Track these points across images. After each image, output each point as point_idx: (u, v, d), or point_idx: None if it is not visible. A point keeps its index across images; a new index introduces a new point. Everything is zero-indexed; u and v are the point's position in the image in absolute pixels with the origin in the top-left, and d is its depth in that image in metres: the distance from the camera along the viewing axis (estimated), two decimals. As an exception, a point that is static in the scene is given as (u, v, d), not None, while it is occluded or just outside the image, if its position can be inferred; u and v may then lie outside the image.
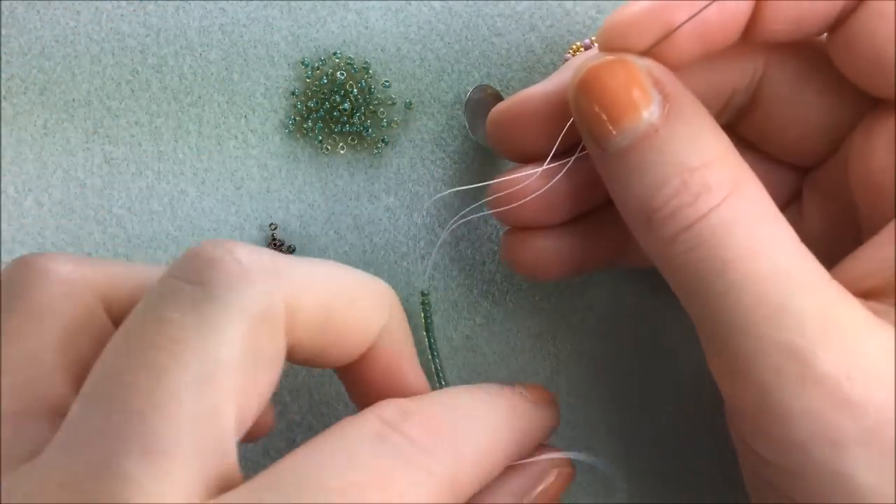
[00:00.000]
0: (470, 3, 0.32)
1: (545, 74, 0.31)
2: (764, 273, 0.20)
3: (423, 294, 0.29)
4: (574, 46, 0.31)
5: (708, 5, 0.21)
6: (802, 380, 0.19)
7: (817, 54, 0.24)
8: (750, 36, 0.22)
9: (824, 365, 0.19)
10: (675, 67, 0.22)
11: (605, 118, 0.22)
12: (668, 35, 0.21)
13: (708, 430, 0.30)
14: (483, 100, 0.30)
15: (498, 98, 0.31)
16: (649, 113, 0.21)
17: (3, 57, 0.31)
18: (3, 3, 0.31)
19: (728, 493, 0.30)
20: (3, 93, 0.31)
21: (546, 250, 0.26)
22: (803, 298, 0.19)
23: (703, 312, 0.21)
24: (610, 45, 0.22)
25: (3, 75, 0.31)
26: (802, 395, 0.19)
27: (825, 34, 0.23)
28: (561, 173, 0.25)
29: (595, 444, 0.30)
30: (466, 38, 0.31)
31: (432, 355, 0.29)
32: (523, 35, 0.32)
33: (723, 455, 0.30)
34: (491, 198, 0.26)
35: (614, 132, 0.21)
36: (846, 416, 0.19)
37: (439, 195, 0.31)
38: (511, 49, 0.31)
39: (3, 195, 0.31)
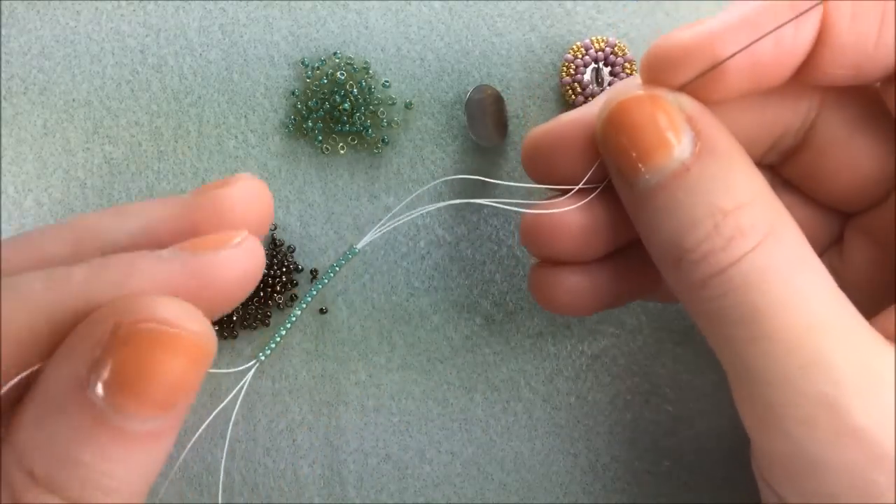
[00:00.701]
0: (470, 3, 0.32)
1: (545, 74, 0.31)
2: (798, 323, 0.19)
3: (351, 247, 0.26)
4: (574, 46, 0.31)
5: (760, 39, 0.20)
6: (837, 432, 0.18)
7: (874, 98, 0.23)
8: (804, 77, 0.21)
9: (860, 417, 0.18)
10: (720, 102, 0.21)
11: (634, 154, 0.21)
12: (714, 68, 0.20)
13: (708, 430, 0.30)
14: (483, 100, 0.30)
15: (498, 98, 0.31)
16: (680, 150, 0.20)
17: (3, 57, 0.31)
18: (3, 3, 0.31)
19: (729, 492, 0.30)
20: (3, 93, 0.31)
21: (578, 287, 0.25)
22: (838, 349, 0.19)
23: (733, 360, 0.20)
24: (652, 75, 0.21)
25: (3, 75, 0.31)
26: (836, 448, 0.18)
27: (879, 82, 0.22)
28: (588, 198, 0.23)
29: (596, 444, 0.31)
30: (466, 38, 0.31)
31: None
32: (523, 35, 0.32)
33: (723, 454, 0.30)
34: (523, 229, 0.25)
35: (643, 169, 0.21)
36: (882, 470, 0.18)
37: (442, 180, 0.31)
38: (511, 49, 0.31)
39: (3, 195, 0.31)
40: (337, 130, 0.31)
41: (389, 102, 0.31)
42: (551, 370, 0.31)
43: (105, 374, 0.17)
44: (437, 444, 0.31)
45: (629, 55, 0.31)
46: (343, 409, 0.30)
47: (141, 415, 0.17)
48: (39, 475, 0.17)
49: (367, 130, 0.31)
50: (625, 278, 0.25)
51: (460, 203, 0.31)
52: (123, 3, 0.31)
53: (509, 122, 0.31)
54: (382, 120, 0.31)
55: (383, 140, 0.31)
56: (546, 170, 0.25)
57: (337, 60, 0.31)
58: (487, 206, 0.31)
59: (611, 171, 0.22)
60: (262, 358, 0.23)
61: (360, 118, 0.30)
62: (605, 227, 0.24)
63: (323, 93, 0.31)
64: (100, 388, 0.17)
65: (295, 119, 0.31)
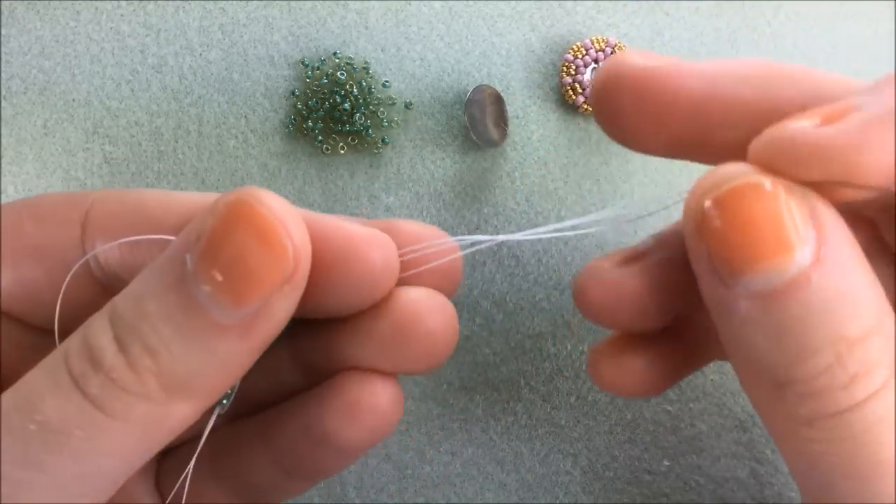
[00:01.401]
0: (470, 3, 0.32)
1: (545, 74, 0.31)
2: None
3: None
4: (574, 46, 0.31)
5: None
6: None
7: None
8: None
9: None
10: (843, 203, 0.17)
11: (744, 253, 0.17)
12: (858, 180, 0.16)
13: (708, 430, 0.30)
14: (483, 100, 0.30)
15: (498, 98, 0.31)
16: (802, 255, 0.17)
17: (3, 57, 0.31)
18: (3, 3, 0.31)
19: (729, 492, 0.30)
20: (3, 93, 0.31)
21: (641, 368, 0.22)
22: None
23: (825, 500, 0.17)
24: (771, 164, 0.17)
25: (3, 75, 0.31)
26: None
27: None
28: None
29: (596, 444, 0.31)
30: (466, 38, 0.32)
31: None
32: (523, 35, 0.32)
33: (723, 454, 0.30)
34: (576, 290, 0.22)
35: (751, 272, 0.17)
36: None
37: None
38: (511, 49, 0.31)
39: (2, 195, 0.31)
40: (337, 130, 0.31)
41: (389, 102, 0.31)
42: (551, 370, 0.31)
43: (204, 242, 0.17)
44: (437, 444, 0.31)
45: (629, 55, 0.31)
46: (343, 409, 0.30)
47: (213, 293, 0.17)
48: (115, 306, 0.18)
49: (367, 130, 0.31)
50: (693, 349, 0.23)
51: (462, 204, 0.31)
52: (123, 3, 0.31)
53: (509, 122, 0.31)
54: (382, 120, 0.31)
55: (383, 140, 0.31)
56: (628, 126, 0.21)
57: (337, 60, 0.31)
58: (487, 206, 0.31)
59: (697, 258, 0.18)
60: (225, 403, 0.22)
61: (360, 118, 0.30)
62: (668, 288, 0.21)
63: (323, 93, 0.31)
64: (193, 254, 0.17)
65: (295, 119, 0.31)
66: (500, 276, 0.31)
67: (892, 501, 0.16)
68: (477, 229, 0.31)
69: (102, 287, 0.21)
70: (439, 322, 0.21)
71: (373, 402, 0.21)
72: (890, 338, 0.17)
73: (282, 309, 0.18)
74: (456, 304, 0.31)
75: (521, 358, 0.31)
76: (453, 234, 0.31)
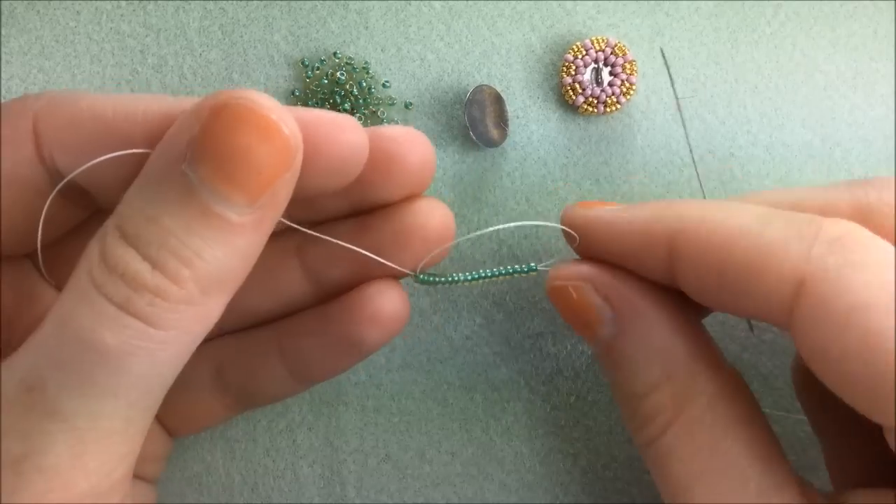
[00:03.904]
0: (470, 3, 0.32)
1: (545, 74, 0.31)
2: None
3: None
4: (574, 46, 0.31)
5: None
6: None
7: None
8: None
9: None
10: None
11: (573, 326, 0.25)
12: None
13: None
14: (483, 100, 0.30)
15: (498, 98, 0.31)
16: (604, 329, 0.23)
17: (3, 57, 0.31)
18: (3, 3, 0.31)
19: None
20: (3, 93, 0.31)
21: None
22: None
23: None
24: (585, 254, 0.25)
25: (3, 75, 0.31)
26: None
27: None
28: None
29: (596, 444, 0.31)
30: (466, 38, 0.31)
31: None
32: (523, 35, 0.32)
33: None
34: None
35: (587, 338, 0.24)
36: None
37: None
38: (511, 49, 0.31)
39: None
40: (337, 130, 0.31)
41: (389, 102, 0.31)
42: (551, 370, 0.31)
43: (200, 150, 0.18)
44: (437, 444, 0.31)
45: (629, 55, 0.31)
46: (343, 409, 0.30)
47: (227, 196, 0.18)
48: (126, 231, 0.19)
49: (367, 130, 0.31)
50: None
51: (462, 204, 0.31)
52: (123, 3, 0.31)
53: (509, 122, 0.31)
54: (382, 120, 0.31)
55: (383, 140, 0.31)
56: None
57: (337, 60, 0.31)
58: (487, 206, 0.31)
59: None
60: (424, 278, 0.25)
61: (360, 118, 0.30)
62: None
63: (323, 93, 0.31)
64: (188, 162, 0.18)
65: (295, 119, 0.31)
66: (500, 276, 0.31)
67: None
68: (477, 229, 0.31)
69: (49, 187, 0.22)
70: (416, 146, 0.23)
71: (392, 308, 0.24)
72: (676, 391, 0.22)
73: (285, 194, 0.20)
74: (456, 304, 0.31)
75: (521, 358, 0.31)
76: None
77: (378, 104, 0.31)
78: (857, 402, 0.19)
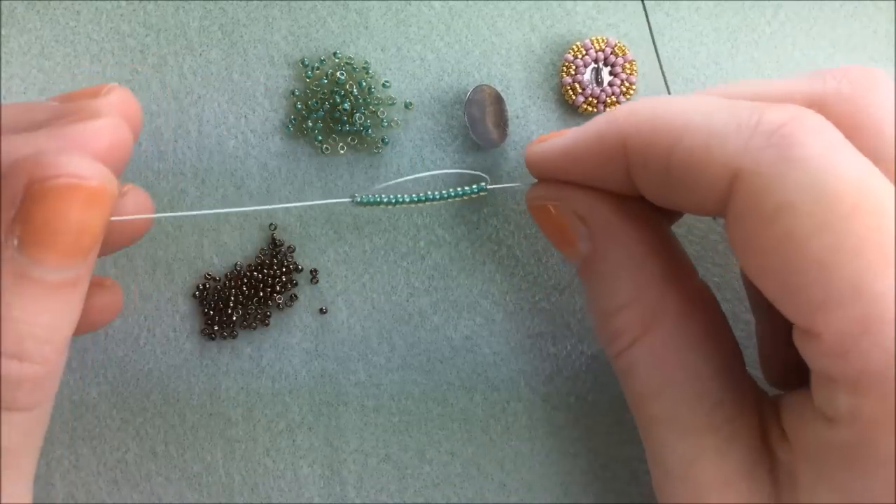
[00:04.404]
0: (470, 3, 0.32)
1: (545, 74, 0.31)
2: (652, 416, 0.23)
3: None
4: (574, 46, 0.31)
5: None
6: None
7: None
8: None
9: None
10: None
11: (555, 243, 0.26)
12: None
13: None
14: (483, 100, 0.30)
15: (498, 98, 0.31)
16: (581, 247, 0.24)
17: (3, 57, 0.31)
18: (3, 3, 0.31)
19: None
20: (3, 93, 0.31)
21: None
22: (676, 445, 0.22)
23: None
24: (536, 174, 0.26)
25: (3, 75, 0.31)
26: None
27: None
28: None
29: (596, 444, 0.31)
30: (466, 38, 0.31)
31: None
32: (523, 35, 0.32)
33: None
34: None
35: (566, 254, 0.25)
36: None
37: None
38: (511, 49, 0.31)
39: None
40: (337, 130, 0.31)
41: (389, 102, 0.31)
42: (551, 370, 0.31)
43: (18, 230, 0.19)
44: (437, 444, 0.31)
45: (629, 55, 0.31)
46: (343, 409, 0.30)
47: (54, 264, 0.20)
48: None
49: (367, 130, 0.31)
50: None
51: (462, 204, 0.31)
52: (123, 3, 0.31)
53: (509, 122, 0.31)
54: (382, 120, 0.31)
55: (383, 140, 0.31)
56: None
57: (337, 60, 0.31)
58: (487, 206, 0.31)
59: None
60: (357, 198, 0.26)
61: (360, 118, 0.30)
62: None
63: (323, 93, 0.31)
64: (16, 244, 0.19)
65: (295, 119, 0.31)
66: (500, 276, 0.31)
67: (638, 421, 0.24)
68: (477, 229, 0.31)
69: None
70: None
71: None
72: (644, 310, 0.23)
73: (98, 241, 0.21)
74: (456, 304, 0.31)
75: (521, 358, 0.31)
76: (453, 233, 0.31)
77: (378, 104, 0.31)
78: (773, 297, 0.19)
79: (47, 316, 0.20)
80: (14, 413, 0.20)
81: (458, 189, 0.26)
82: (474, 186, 0.27)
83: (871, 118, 0.21)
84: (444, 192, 0.26)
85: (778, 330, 0.25)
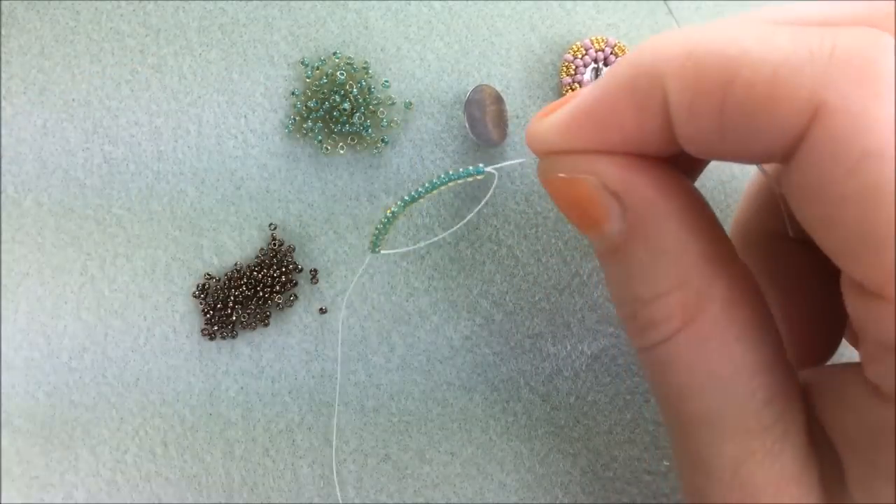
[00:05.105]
0: (470, 3, 0.32)
1: (545, 74, 0.31)
2: (693, 415, 0.20)
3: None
4: (574, 46, 0.31)
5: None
6: None
7: None
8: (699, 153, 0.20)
9: None
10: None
11: (575, 224, 0.22)
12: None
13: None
14: (483, 100, 0.30)
15: (498, 98, 0.31)
16: (611, 227, 0.20)
17: (3, 57, 0.31)
18: (3, 3, 0.31)
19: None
20: (3, 93, 0.31)
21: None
22: (721, 447, 0.20)
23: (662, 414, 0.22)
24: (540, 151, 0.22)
25: (3, 75, 0.31)
26: None
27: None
28: None
29: (596, 444, 0.30)
30: (466, 38, 0.31)
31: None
32: (523, 35, 0.32)
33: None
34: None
35: (590, 236, 0.21)
36: None
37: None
38: (511, 49, 0.31)
39: (3, 195, 0.31)
40: (337, 130, 0.31)
41: (389, 102, 0.31)
42: (551, 370, 0.31)
43: None
44: (437, 444, 0.31)
45: (629, 55, 0.31)
46: (343, 409, 0.30)
47: None
48: None
49: (367, 130, 0.31)
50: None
51: (462, 204, 0.31)
52: (123, 3, 0.31)
53: (509, 122, 0.31)
54: (382, 120, 0.31)
55: (383, 140, 0.31)
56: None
57: (337, 60, 0.31)
58: (487, 206, 0.31)
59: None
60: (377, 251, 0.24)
61: (360, 118, 0.30)
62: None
63: (323, 93, 0.31)
64: None
65: (295, 119, 0.31)
66: (500, 276, 0.31)
67: (674, 425, 0.21)
68: (477, 229, 0.31)
69: None
70: None
71: None
72: (686, 298, 0.20)
73: None
74: (456, 305, 0.31)
75: (521, 358, 0.31)
76: (453, 233, 0.31)
77: (378, 104, 0.31)
78: (837, 253, 0.17)
79: None
80: None
81: (460, 170, 0.24)
82: (471, 168, 0.24)
83: None
84: (442, 176, 0.24)
85: (799, 302, 0.24)
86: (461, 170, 0.24)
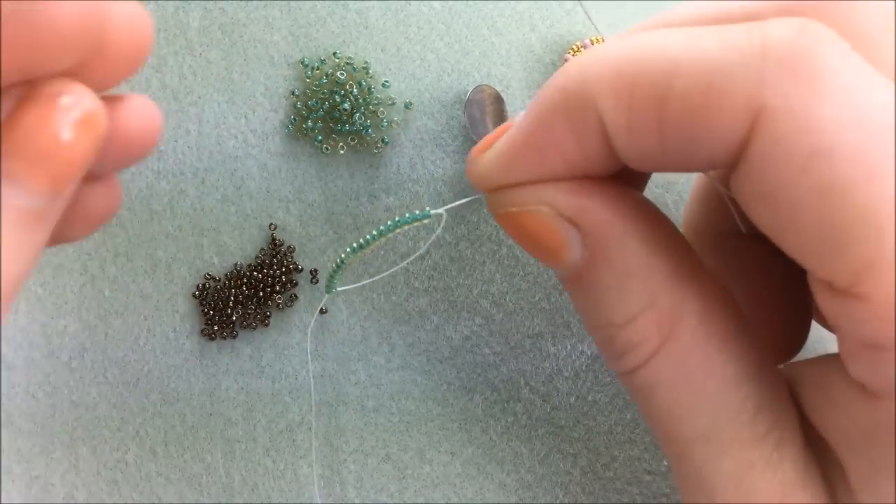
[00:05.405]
0: (470, 3, 0.32)
1: (545, 74, 0.31)
2: (685, 435, 0.19)
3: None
4: (574, 46, 0.31)
5: None
6: None
7: None
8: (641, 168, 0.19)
9: None
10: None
11: (533, 254, 0.21)
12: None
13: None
14: (483, 100, 0.30)
15: (498, 98, 0.31)
16: (572, 255, 0.20)
17: (3, 57, 0.31)
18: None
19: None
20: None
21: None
22: (719, 463, 0.19)
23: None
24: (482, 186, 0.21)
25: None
26: None
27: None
28: None
29: (596, 444, 0.31)
30: (466, 38, 0.31)
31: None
32: (523, 35, 0.32)
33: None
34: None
35: (552, 266, 0.21)
36: None
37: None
38: (511, 49, 0.31)
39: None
40: (337, 130, 0.31)
41: (389, 102, 0.31)
42: (551, 370, 0.31)
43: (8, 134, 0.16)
44: (437, 444, 0.31)
45: (629, 55, 0.31)
46: (343, 409, 0.30)
47: (34, 185, 0.16)
48: None
49: (367, 130, 0.31)
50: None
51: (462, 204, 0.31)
52: (123, 3, 0.31)
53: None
54: (382, 120, 0.31)
55: (383, 140, 0.31)
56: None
57: (337, 60, 0.31)
58: (486, 206, 0.31)
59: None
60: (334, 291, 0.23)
61: (360, 118, 0.30)
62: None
63: (323, 93, 0.31)
64: None
65: (295, 119, 0.31)
66: (500, 276, 0.31)
67: (667, 446, 0.20)
68: (477, 229, 0.31)
69: None
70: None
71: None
72: (660, 318, 0.19)
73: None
74: (456, 305, 0.31)
75: (521, 358, 0.31)
76: (453, 233, 0.31)
77: (378, 104, 0.31)
78: (802, 256, 0.17)
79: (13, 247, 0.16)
80: None
81: (406, 215, 0.23)
82: (418, 213, 0.24)
83: (861, 25, 0.18)
84: (389, 223, 0.23)
85: (762, 296, 0.23)
86: (407, 215, 0.24)
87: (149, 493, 0.30)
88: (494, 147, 0.20)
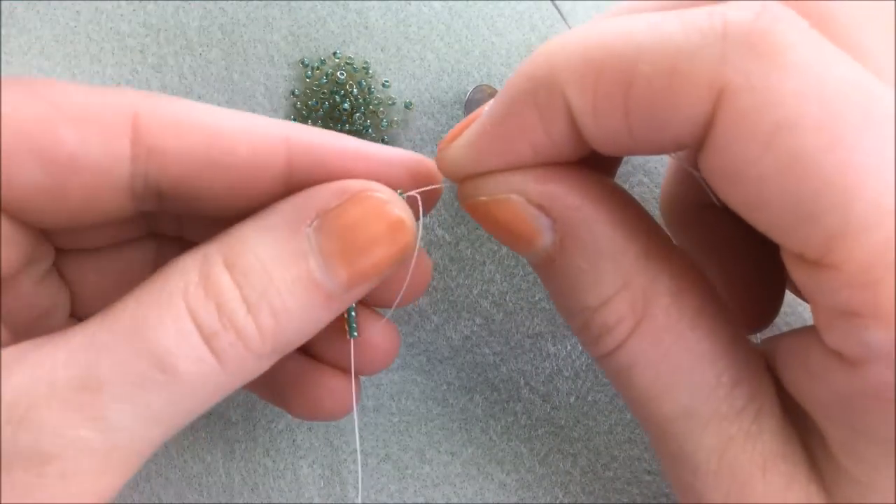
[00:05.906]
0: (470, 3, 0.32)
1: (545, 74, 0.31)
2: (665, 413, 0.20)
3: None
4: (574, 46, 0.31)
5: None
6: None
7: None
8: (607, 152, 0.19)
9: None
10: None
11: (508, 243, 0.21)
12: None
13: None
14: (483, 100, 0.30)
15: (498, 98, 0.31)
16: (543, 241, 0.20)
17: (3, 57, 0.31)
18: (3, 3, 0.31)
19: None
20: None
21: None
22: (701, 440, 0.19)
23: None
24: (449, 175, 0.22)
25: (2, 75, 0.31)
26: None
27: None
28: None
29: (596, 444, 0.31)
30: (466, 38, 0.31)
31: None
32: (523, 35, 0.32)
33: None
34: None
35: (524, 253, 0.21)
36: None
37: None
38: (511, 49, 0.31)
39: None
40: (337, 130, 0.31)
41: (389, 102, 0.31)
42: (551, 370, 0.31)
43: (331, 224, 0.20)
44: (437, 444, 0.31)
45: (629, 55, 0.31)
46: (343, 409, 0.30)
47: (336, 272, 0.20)
48: (234, 265, 0.19)
49: (367, 130, 0.31)
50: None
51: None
52: (123, 3, 0.31)
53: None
54: (382, 120, 0.31)
55: (383, 140, 0.31)
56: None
57: (337, 60, 0.31)
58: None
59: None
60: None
61: (360, 118, 0.30)
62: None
63: (323, 93, 0.31)
64: (314, 229, 0.20)
65: (295, 119, 0.31)
66: (500, 276, 0.31)
67: (649, 426, 0.20)
68: (477, 229, 0.31)
69: (133, 198, 0.21)
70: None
71: (330, 404, 0.24)
72: (635, 298, 0.20)
73: (373, 285, 0.21)
74: (456, 304, 0.31)
75: (521, 358, 0.31)
76: (453, 233, 0.31)
77: (378, 104, 0.31)
78: (772, 229, 0.17)
79: (294, 301, 0.19)
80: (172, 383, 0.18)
81: None
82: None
83: (830, 8, 0.18)
84: None
85: (737, 267, 0.24)
86: None
87: (149, 493, 0.30)
88: (463, 136, 0.21)
